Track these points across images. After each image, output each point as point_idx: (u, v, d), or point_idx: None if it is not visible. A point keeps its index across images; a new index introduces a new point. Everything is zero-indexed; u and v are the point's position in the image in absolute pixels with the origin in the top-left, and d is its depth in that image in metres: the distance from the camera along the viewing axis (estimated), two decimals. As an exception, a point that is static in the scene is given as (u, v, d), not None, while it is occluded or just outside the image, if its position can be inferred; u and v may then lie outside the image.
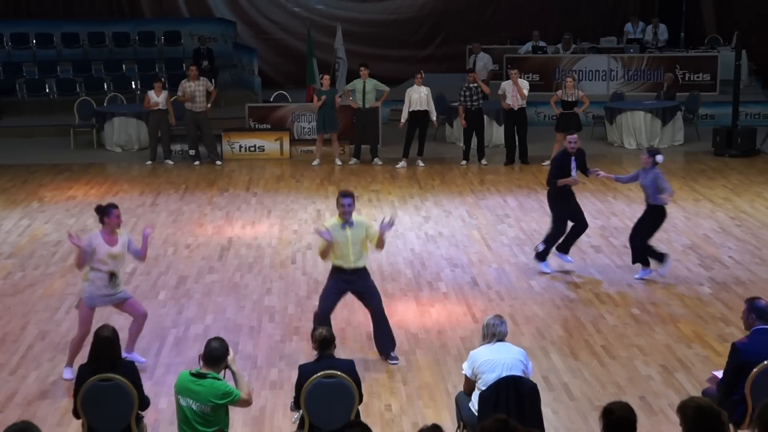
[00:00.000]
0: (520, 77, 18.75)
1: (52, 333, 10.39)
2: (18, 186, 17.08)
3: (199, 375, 6.94)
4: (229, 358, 7.12)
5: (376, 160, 18.56)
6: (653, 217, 11.66)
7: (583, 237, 13.59)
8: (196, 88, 18.43)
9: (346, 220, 9.38)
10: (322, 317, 9.41)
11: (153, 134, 18.78)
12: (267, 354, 9.83)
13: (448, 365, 9.44)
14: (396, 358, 9.58)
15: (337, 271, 9.57)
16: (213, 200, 15.98)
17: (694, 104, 20.43)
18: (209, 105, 18.55)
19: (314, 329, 7.77)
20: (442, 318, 10.71)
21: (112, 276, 9.23)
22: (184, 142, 19.17)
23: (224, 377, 7.08)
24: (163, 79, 19.48)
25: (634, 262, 11.90)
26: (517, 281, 11.87)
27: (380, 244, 9.55)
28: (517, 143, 18.40)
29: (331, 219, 9.81)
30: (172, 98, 18.79)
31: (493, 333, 7.41)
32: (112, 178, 17.83)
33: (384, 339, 9.64)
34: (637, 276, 11.78)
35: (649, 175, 11.47)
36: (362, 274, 9.54)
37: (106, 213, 9.21)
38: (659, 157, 11.50)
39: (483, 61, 22.79)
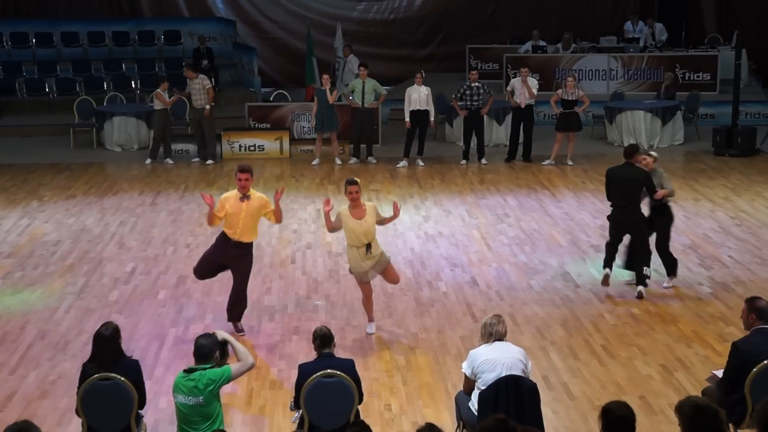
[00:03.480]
0: (530, 76, 18.73)
1: (52, 332, 10.38)
2: (17, 185, 17.07)
3: (191, 370, 7.09)
4: (218, 333, 7.38)
5: (370, 158, 18.59)
6: (661, 219, 11.38)
7: (582, 236, 13.64)
8: (193, 86, 18.48)
9: (243, 193, 10.03)
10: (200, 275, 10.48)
11: (158, 134, 18.77)
12: (266, 354, 9.83)
13: (447, 365, 9.44)
14: (242, 330, 10.29)
15: (224, 237, 10.17)
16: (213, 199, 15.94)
17: (694, 104, 20.42)
18: (208, 107, 18.49)
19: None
20: (442, 317, 10.71)
21: None
22: (185, 141, 19.22)
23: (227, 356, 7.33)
24: (163, 76, 19.52)
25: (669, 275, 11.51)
26: (516, 281, 11.87)
27: (277, 216, 10.24)
28: (521, 141, 18.42)
29: (233, 191, 10.26)
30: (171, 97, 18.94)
31: (490, 332, 7.41)
32: (111, 177, 17.83)
33: (234, 312, 10.35)
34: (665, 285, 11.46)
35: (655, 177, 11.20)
36: (243, 249, 10.17)
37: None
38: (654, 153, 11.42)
39: (349, 65, 22.21)
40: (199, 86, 18.45)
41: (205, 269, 10.49)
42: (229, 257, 10.21)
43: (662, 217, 11.43)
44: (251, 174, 10.19)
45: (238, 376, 7.37)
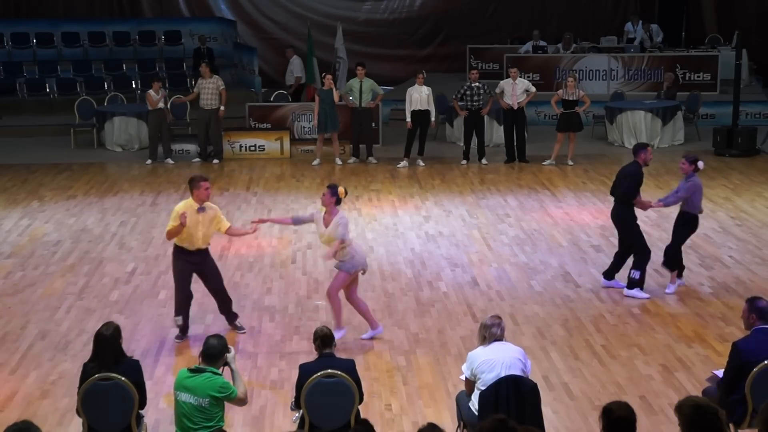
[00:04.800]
0: (520, 76, 18.73)
1: (52, 333, 10.39)
2: (18, 185, 17.08)
3: (196, 370, 7.06)
4: (230, 356, 7.24)
5: (370, 159, 18.60)
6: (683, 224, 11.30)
7: (582, 236, 13.64)
8: (205, 86, 18.49)
9: (200, 204, 9.95)
10: (186, 298, 10.17)
11: (154, 133, 18.79)
12: (267, 354, 9.83)
13: (448, 365, 9.44)
14: (243, 328, 10.38)
15: (180, 251, 10.05)
16: (213, 200, 15.93)
17: (694, 104, 20.42)
18: (222, 108, 18.52)
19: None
20: (443, 317, 10.71)
21: None
22: (184, 141, 19.23)
23: (222, 372, 7.16)
24: (163, 77, 19.56)
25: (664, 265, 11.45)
26: (517, 281, 11.87)
27: (232, 233, 10.57)
28: (515, 142, 18.43)
29: (186, 201, 10.11)
30: (173, 97, 18.93)
31: (484, 336, 7.41)
32: (112, 177, 17.83)
33: (228, 313, 10.41)
34: (668, 291, 11.33)
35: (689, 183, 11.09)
36: (204, 253, 10.14)
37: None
38: (701, 164, 11.10)
39: (291, 66, 22.26)
40: (213, 86, 18.48)
41: (185, 285, 10.16)
42: (196, 263, 10.09)
43: (690, 219, 11.30)
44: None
45: (233, 404, 7.32)
